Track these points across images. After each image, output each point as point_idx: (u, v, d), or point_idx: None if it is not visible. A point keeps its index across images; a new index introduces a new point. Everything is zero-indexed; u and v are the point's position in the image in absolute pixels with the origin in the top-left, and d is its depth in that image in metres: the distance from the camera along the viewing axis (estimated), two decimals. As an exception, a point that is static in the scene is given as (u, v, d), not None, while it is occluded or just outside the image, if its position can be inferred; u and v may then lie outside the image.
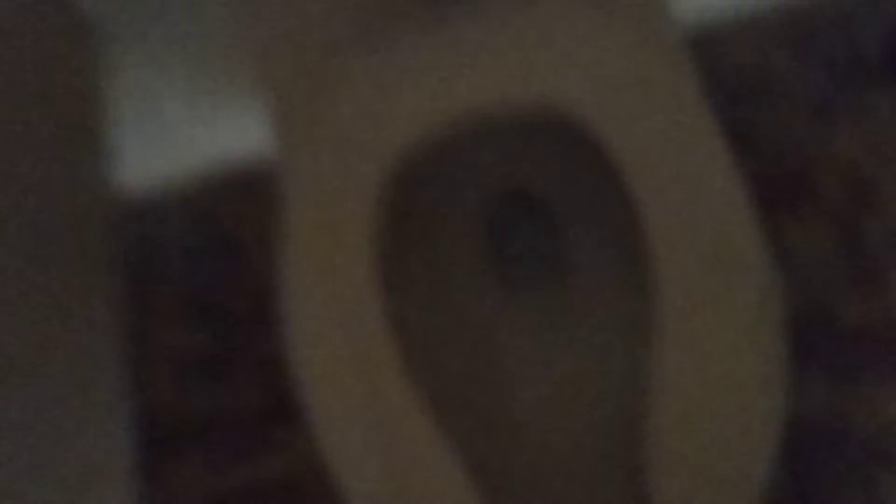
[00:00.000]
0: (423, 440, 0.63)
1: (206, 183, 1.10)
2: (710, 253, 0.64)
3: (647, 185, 0.66)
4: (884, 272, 0.99)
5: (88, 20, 0.85)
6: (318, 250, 0.66)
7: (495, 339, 0.76)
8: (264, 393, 1.05)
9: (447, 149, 0.80)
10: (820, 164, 1.04)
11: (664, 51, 0.69)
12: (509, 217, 0.81)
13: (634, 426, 0.71)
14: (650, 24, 0.70)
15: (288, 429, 1.02)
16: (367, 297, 0.64)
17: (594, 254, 0.78)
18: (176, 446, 1.02)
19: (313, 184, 0.67)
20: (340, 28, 0.73)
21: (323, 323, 0.64)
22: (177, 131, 1.02)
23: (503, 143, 0.81)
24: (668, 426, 0.62)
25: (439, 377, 0.73)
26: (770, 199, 1.05)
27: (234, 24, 0.90)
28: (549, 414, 0.74)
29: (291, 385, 1.03)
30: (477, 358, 0.75)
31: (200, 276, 1.09)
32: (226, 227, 1.10)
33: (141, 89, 0.96)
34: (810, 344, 0.99)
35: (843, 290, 1.00)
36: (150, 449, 1.01)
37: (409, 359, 0.65)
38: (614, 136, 0.68)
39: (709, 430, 0.62)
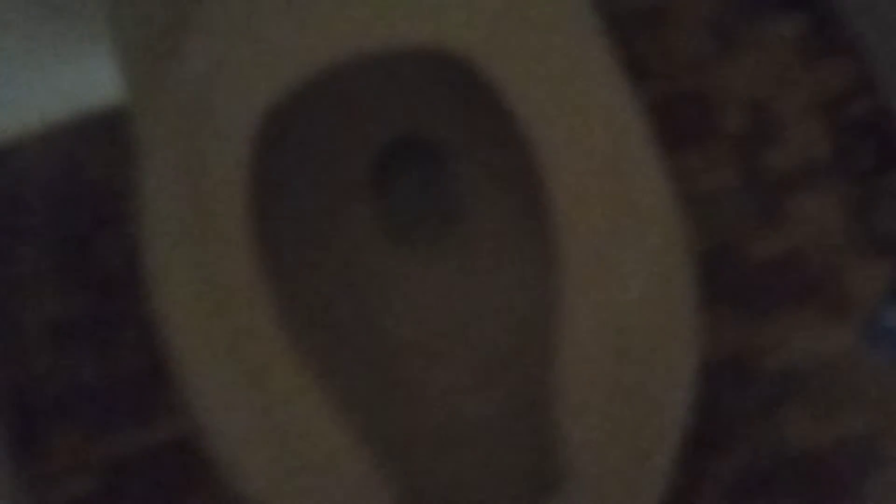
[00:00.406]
0: (304, 400, 0.58)
1: (67, 131, 1.02)
2: (612, 191, 0.61)
3: (541, 123, 0.62)
4: (787, 205, 0.98)
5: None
6: (180, 206, 0.59)
7: (383, 292, 0.71)
8: (148, 355, 0.98)
9: (331, 92, 0.74)
10: (722, 96, 1.03)
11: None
12: (397, 164, 0.76)
13: (537, 376, 0.68)
14: None
15: (175, 392, 0.97)
16: (238, 249, 0.58)
17: (487, 198, 0.74)
18: (56, 417, 0.95)
19: (172, 133, 0.60)
20: None
21: (187, 281, 0.58)
22: (26, 77, 0.94)
23: (390, 86, 0.75)
24: (576, 376, 0.59)
25: (322, 332, 0.68)
26: (672, 133, 1.03)
27: None
28: (441, 368, 0.70)
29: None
30: (363, 312, 0.71)
31: (70, 231, 1.02)
32: (93, 176, 1.02)
33: None
34: (716, 280, 0.98)
35: (748, 225, 0.98)
36: (28, 422, 0.95)
37: (288, 315, 0.59)
38: (505, 73, 0.63)
39: (621, 377, 0.58)
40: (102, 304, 0.98)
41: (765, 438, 0.92)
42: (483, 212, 0.73)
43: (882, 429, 0.91)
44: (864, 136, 0.99)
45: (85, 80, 0.95)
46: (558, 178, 0.62)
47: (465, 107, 0.74)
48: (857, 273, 0.96)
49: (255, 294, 0.57)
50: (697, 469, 0.91)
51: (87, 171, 1.01)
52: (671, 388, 0.59)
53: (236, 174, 0.60)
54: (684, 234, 0.62)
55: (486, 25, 0.63)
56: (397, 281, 0.72)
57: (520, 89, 0.62)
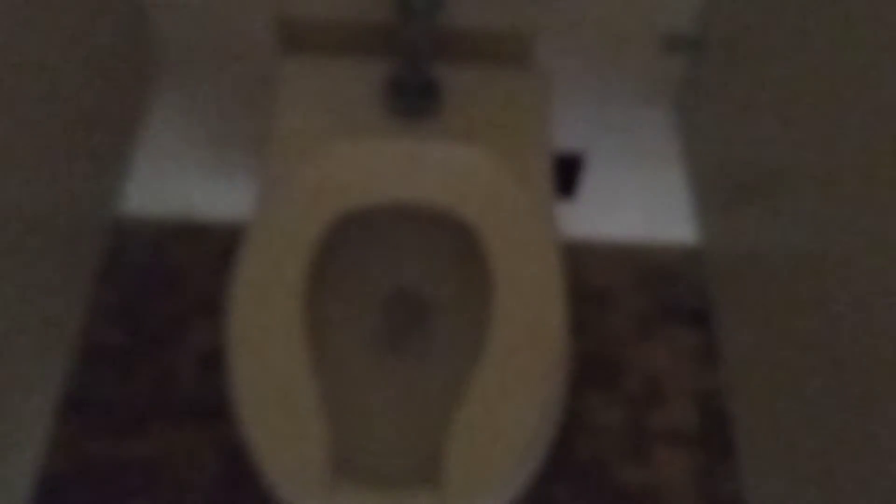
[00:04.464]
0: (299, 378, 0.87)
1: (177, 225, 1.39)
2: (528, 347, 0.91)
3: (504, 286, 0.94)
4: (655, 453, 1.27)
5: (158, 64, 1.15)
6: (261, 276, 0.94)
7: (369, 372, 1.03)
8: (158, 389, 1.25)
9: (374, 230, 1.09)
10: (631, 363, 1.34)
11: (536, 192, 1.00)
12: (399, 308, 1.09)
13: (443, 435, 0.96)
14: (530, 170, 1.02)
15: (162, 421, 1.24)
16: (289, 307, 0.92)
17: (450, 337, 1.05)
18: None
19: (271, 223, 0.96)
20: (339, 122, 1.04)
21: (253, 318, 0.90)
22: (180, 179, 1.32)
23: (408, 242, 1.10)
24: (464, 437, 0.87)
25: (333, 386, 1.00)
26: (589, 376, 1.32)
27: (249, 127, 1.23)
28: (397, 418, 0.99)
29: (182, 386, 1.24)
30: (354, 391, 1.02)
31: (141, 290, 1.33)
32: (174, 261, 1.36)
33: (172, 136, 1.26)
34: (583, 485, 1.23)
35: (620, 456, 1.26)
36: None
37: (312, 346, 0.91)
38: (489, 242, 0.97)
39: (487, 434, 0.86)
40: (137, 344, 1.26)
41: None
42: (445, 342, 1.05)
43: None
44: (724, 425, 1.30)
45: (215, 198, 1.34)
46: (501, 323, 0.93)
47: (449, 266, 1.07)
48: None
49: (298, 345, 0.90)
50: None
51: (172, 257, 1.35)
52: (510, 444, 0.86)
53: (303, 257, 0.94)
54: (563, 383, 0.93)
55: (484, 207, 0.99)
56: (379, 369, 1.03)
57: (498, 257, 0.95)
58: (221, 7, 1.09)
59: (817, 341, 0.74)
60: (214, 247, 1.39)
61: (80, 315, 0.95)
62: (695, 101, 1.12)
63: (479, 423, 0.88)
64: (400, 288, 1.11)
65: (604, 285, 1.41)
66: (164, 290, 1.34)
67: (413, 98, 1.04)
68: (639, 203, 1.36)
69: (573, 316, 1.38)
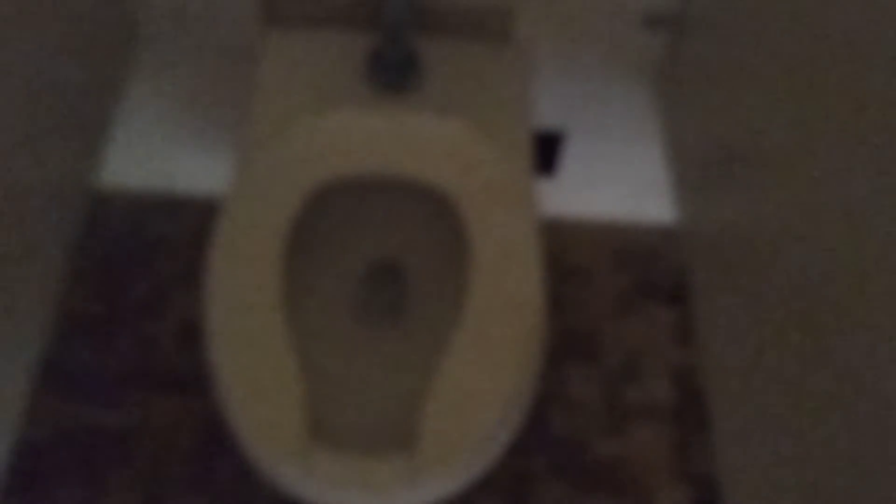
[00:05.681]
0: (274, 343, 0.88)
1: (157, 197, 1.39)
2: (505, 316, 0.92)
3: (482, 253, 0.95)
4: (630, 426, 1.28)
5: (140, 35, 1.15)
6: (239, 245, 0.94)
7: (343, 343, 1.03)
8: (134, 357, 1.26)
9: (346, 207, 1.10)
10: (609, 340, 1.36)
11: (516, 167, 1.01)
12: (376, 278, 1.09)
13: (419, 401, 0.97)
14: (509, 145, 1.03)
15: (140, 391, 1.24)
16: (266, 275, 0.92)
17: (426, 304, 1.06)
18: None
19: (249, 194, 0.96)
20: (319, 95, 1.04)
21: (231, 283, 0.91)
22: (161, 151, 1.31)
23: (386, 214, 1.11)
24: (439, 403, 0.88)
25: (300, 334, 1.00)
26: (565, 350, 1.34)
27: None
28: (374, 387, 1.00)
29: (161, 355, 1.25)
30: (332, 359, 1.03)
31: (120, 261, 1.34)
32: (154, 232, 1.36)
33: (153, 110, 1.25)
34: (559, 459, 1.25)
35: (596, 429, 1.28)
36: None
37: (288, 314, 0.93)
38: (468, 214, 0.98)
39: (465, 402, 0.88)
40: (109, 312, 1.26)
41: None
42: (422, 312, 1.06)
43: None
44: (700, 401, 1.31)
45: (194, 173, 1.34)
46: (477, 293, 0.94)
47: (427, 238, 1.08)
48: (666, 490, 1.24)
49: (270, 294, 0.90)
50: None
51: (151, 231, 1.35)
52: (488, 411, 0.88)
53: (281, 228, 0.94)
54: (535, 363, 0.94)
55: (464, 178, 1.00)
56: (357, 338, 1.04)
57: (477, 228, 0.96)
58: None
59: (794, 318, 0.75)
60: (195, 219, 1.39)
61: (58, 284, 0.96)
62: (675, 78, 1.13)
63: (455, 392, 0.89)
64: (379, 259, 1.12)
65: (583, 263, 1.42)
66: (144, 262, 1.35)
67: (393, 71, 1.04)
68: (619, 181, 1.37)
69: (552, 292, 1.39)
